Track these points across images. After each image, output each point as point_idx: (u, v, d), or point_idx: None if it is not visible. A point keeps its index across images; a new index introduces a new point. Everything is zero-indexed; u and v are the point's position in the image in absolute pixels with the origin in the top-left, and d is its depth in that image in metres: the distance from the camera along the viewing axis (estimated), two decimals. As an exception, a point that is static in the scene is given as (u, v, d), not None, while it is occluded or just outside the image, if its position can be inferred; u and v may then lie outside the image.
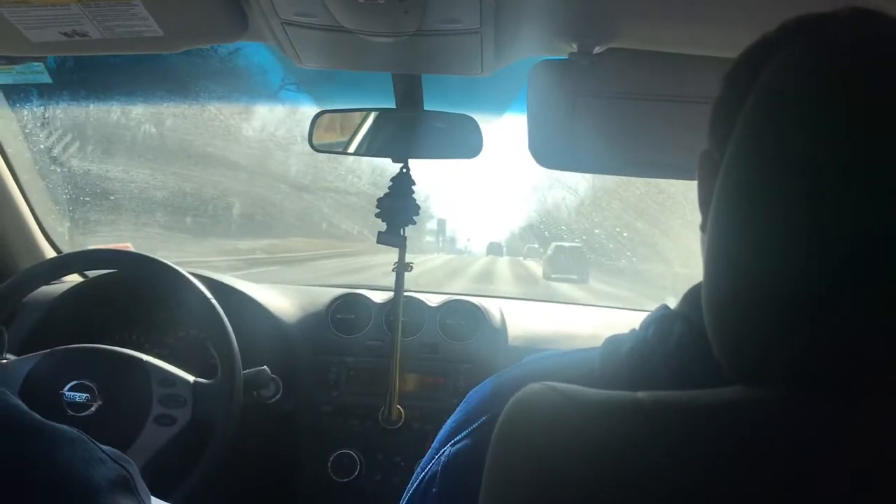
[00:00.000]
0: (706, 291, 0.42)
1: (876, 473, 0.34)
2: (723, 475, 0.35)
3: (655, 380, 0.45)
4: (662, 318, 0.51)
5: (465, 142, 1.25)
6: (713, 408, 0.38)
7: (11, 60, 1.16)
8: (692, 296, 0.50)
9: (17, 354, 1.32)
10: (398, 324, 1.42)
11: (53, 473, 0.56)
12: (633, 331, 0.53)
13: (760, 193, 0.39)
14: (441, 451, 0.58)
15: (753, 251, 0.39)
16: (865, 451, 0.35)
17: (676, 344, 0.48)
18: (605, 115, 0.95)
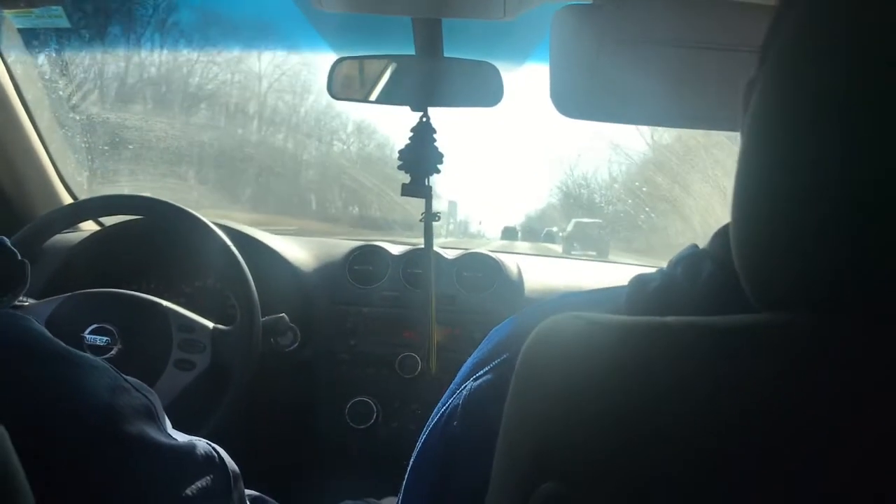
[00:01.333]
0: (734, 222, 0.42)
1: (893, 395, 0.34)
2: (750, 394, 0.35)
3: (682, 313, 0.45)
4: (691, 257, 0.50)
5: (485, 89, 1.23)
6: (742, 330, 0.38)
7: (30, 3, 1.15)
8: (721, 236, 0.49)
9: (37, 300, 1.34)
10: (431, 275, 1.41)
11: (79, 399, 0.57)
12: (660, 270, 0.52)
13: (791, 123, 0.38)
14: (463, 386, 0.58)
15: (782, 178, 0.38)
16: (882, 373, 0.34)
17: (705, 282, 0.47)
18: (630, 63, 0.93)
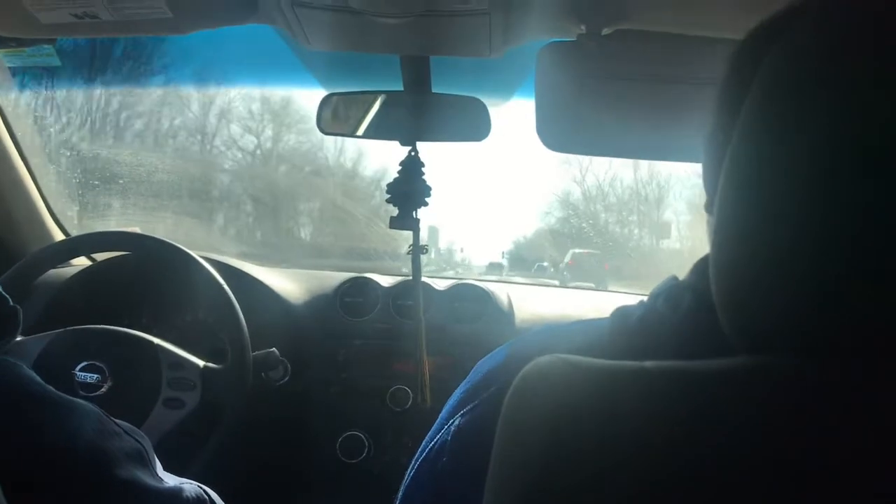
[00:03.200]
0: (714, 264, 0.43)
1: (880, 441, 0.34)
2: (728, 442, 0.36)
3: (663, 349, 0.46)
4: (672, 289, 0.51)
5: (473, 124, 1.25)
6: (719, 376, 0.38)
7: (22, 43, 1.16)
8: (701, 267, 0.50)
9: (28, 336, 1.34)
10: (420, 306, 1.42)
11: (71, 444, 0.57)
12: (641, 302, 0.53)
13: (771, 169, 0.39)
14: (450, 422, 0.58)
15: (762, 225, 0.39)
16: (870, 418, 0.35)
17: (685, 313, 0.48)
18: (613, 97, 0.95)
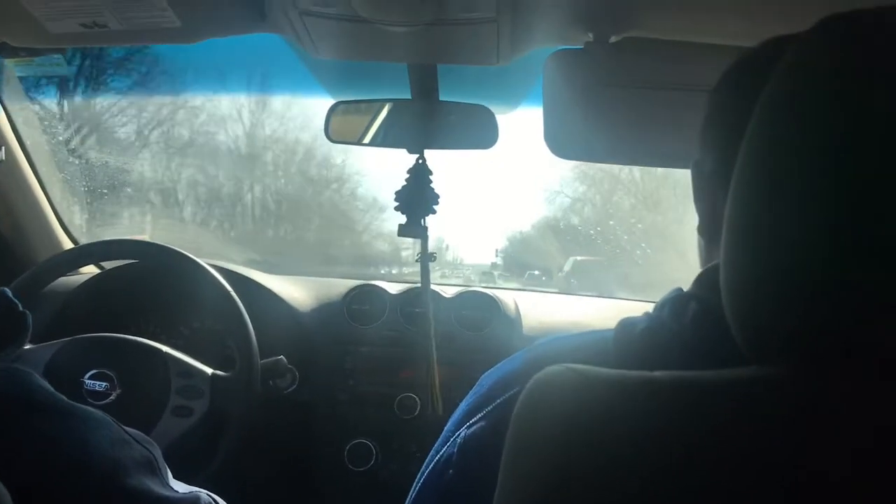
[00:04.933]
0: (725, 274, 0.43)
1: (890, 452, 0.34)
2: (736, 451, 0.36)
3: (668, 357, 0.46)
4: (676, 299, 0.51)
5: (480, 132, 1.25)
6: (729, 386, 0.38)
7: (32, 52, 1.17)
8: (705, 277, 0.50)
9: (37, 344, 1.34)
10: (430, 314, 1.42)
11: (81, 453, 0.57)
12: (646, 313, 0.53)
13: (779, 181, 0.39)
14: (457, 434, 0.58)
15: (772, 235, 0.39)
16: (881, 431, 0.35)
17: (691, 323, 0.48)
18: (620, 105, 0.95)
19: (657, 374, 0.39)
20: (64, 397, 0.60)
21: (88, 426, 0.59)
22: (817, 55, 0.40)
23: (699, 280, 0.52)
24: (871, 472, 0.34)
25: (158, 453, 0.65)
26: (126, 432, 0.63)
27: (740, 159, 0.42)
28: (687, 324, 0.48)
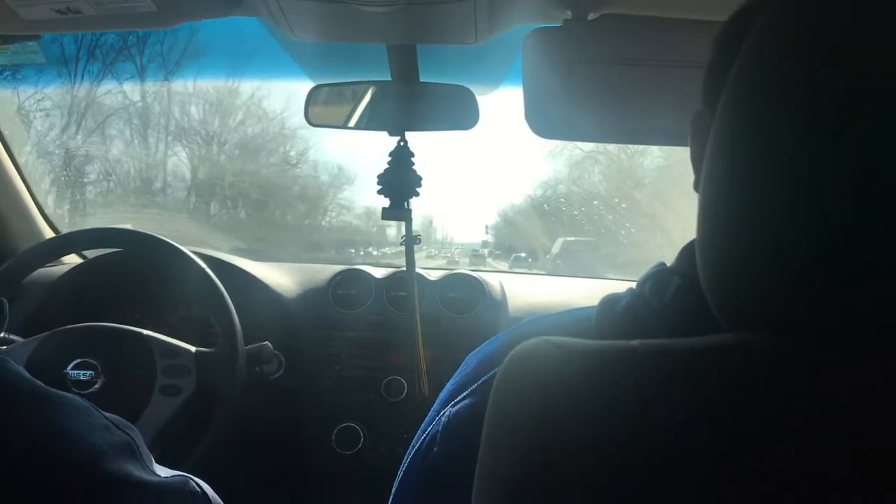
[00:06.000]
0: (699, 241, 0.43)
1: (853, 417, 0.35)
2: (710, 414, 0.36)
3: (650, 331, 0.46)
4: (659, 274, 0.51)
5: (461, 113, 1.24)
6: (703, 351, 0.39)
7: (5, 40, 1.15)
8: (688, 252, 0.50)
9: (20, 336, 1.33)
10: (415, 297, 1.42)
11: (59, 439, 0.57)
12: (629, 289, 0.53)
13: (752, 146, 0.39)
14: (442, 413, 0.58)
15: (745, 201, 0.39)
16: (845, 394, 0.36)
17: (672, 297, 0.48)
18: (600, 82, 0.95)
19: (634, 342, 0.40)
20: (40, 383, 0.60)
21: (66, 411, 0.59)
22: (795, 12, 0.39)
23: (682, 255, 0.52)
24: (849, 434, 0.35)
25: (139, 437, 0.65)
26: (106, 417, 0.62)
27: (714, 125, 0.42)
28: (668, 299, 0.49)
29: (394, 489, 0.63)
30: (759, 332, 0.39)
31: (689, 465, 0.35)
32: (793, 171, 0.37)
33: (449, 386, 0.61)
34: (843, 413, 0.35)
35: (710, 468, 0.35)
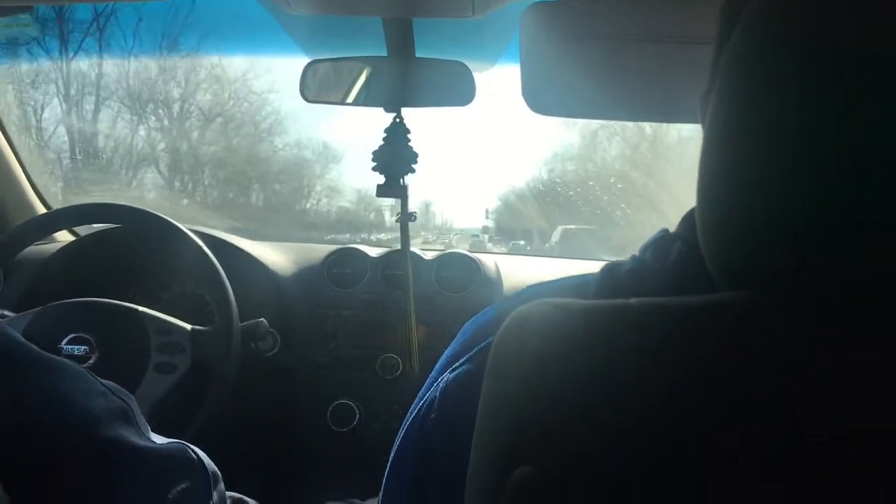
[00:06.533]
0: (699, 206, 0.43)
1: (846, 377, 0.35)
2: (706, 374, 0.36)
3: (650, 293, 0.46)
4: (661, 239, 0.51)
5: (457, 89, 1.23)
6: (700, 308, 0.39)
7: (-2, 13, 1.13)
8: (690, 218, 0.50)
9: (14, 312, 1.33)
10: (409, 275, 1.42)
11: (55, 404, 0.57)
12: (632, 256, 0.53)
13: (752, 111, 0.39)
14: (440, 379, 0.58)
15: (744, 164, 0.40)
16: (839, 355, 0.36)
17: (674, 261, 0.48)
18: (599, 58, 0.94)
19: (632, 300, 0.40)
20: (36, 348, 0.59)
21: (62, 376, 0.59)
22: None
23: (684, 221, 0.52)
24: (841, 392, 0.35)
25: (134, 404, 0.65)
26: (101, 383, 0.62)
27: (714, 94, 0.42)
28: (670, 264, 0.49)
29: (391, 456, 0.63)
30: (756, 292, 0.39)
31: (684, 428, 0.36)
32: (789, 136, 0.37)
33: (447, 353, 0.61)
34: (835, 375, 0.35)
35: (706, 431, 0.35)
